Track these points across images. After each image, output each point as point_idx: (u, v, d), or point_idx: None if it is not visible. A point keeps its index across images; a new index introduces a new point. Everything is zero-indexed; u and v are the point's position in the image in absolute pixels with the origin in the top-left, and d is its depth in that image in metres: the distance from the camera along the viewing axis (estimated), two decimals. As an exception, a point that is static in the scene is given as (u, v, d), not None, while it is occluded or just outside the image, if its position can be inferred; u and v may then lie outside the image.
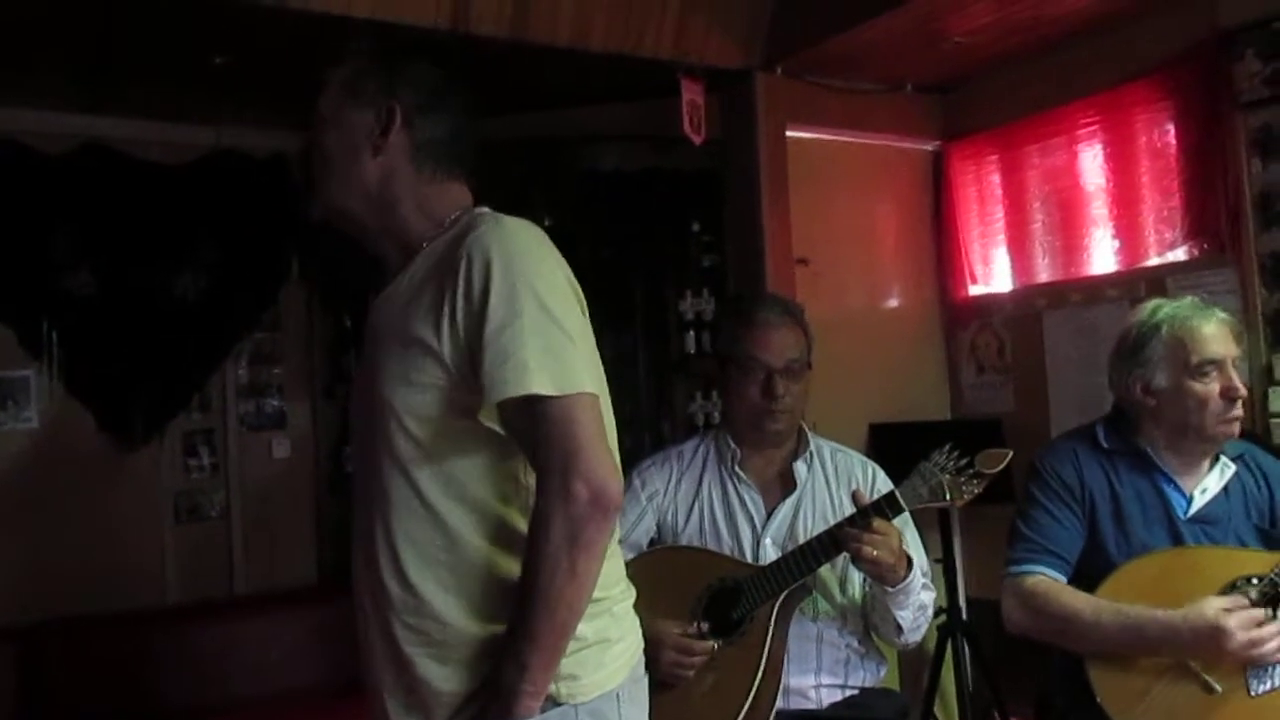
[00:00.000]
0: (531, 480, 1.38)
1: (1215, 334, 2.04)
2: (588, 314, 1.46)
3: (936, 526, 3.41)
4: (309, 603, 3.64)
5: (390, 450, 1.39)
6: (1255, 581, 1.89)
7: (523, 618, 1.31)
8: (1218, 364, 2.02)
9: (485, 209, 1.52)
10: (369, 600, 1.43)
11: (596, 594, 1.37)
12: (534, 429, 1.33)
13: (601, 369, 1.44)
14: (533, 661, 1.30)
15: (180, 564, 3.73)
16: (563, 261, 1.44)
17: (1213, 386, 2.01)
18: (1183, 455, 2.08)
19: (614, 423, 1.45)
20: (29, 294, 3.48)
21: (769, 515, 2.22)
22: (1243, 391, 2.02)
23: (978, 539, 3.59)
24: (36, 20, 2.76)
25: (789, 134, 3.44)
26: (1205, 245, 2.97)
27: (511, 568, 1.37)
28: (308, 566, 3.94)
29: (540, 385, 1.32)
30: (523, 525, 1.38)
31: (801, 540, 2.12)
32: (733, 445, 2.28)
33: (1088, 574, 2.03)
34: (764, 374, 2.21)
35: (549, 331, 1.35)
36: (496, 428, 1.35)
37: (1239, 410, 2.03)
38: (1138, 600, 1.93)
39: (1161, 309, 2.10)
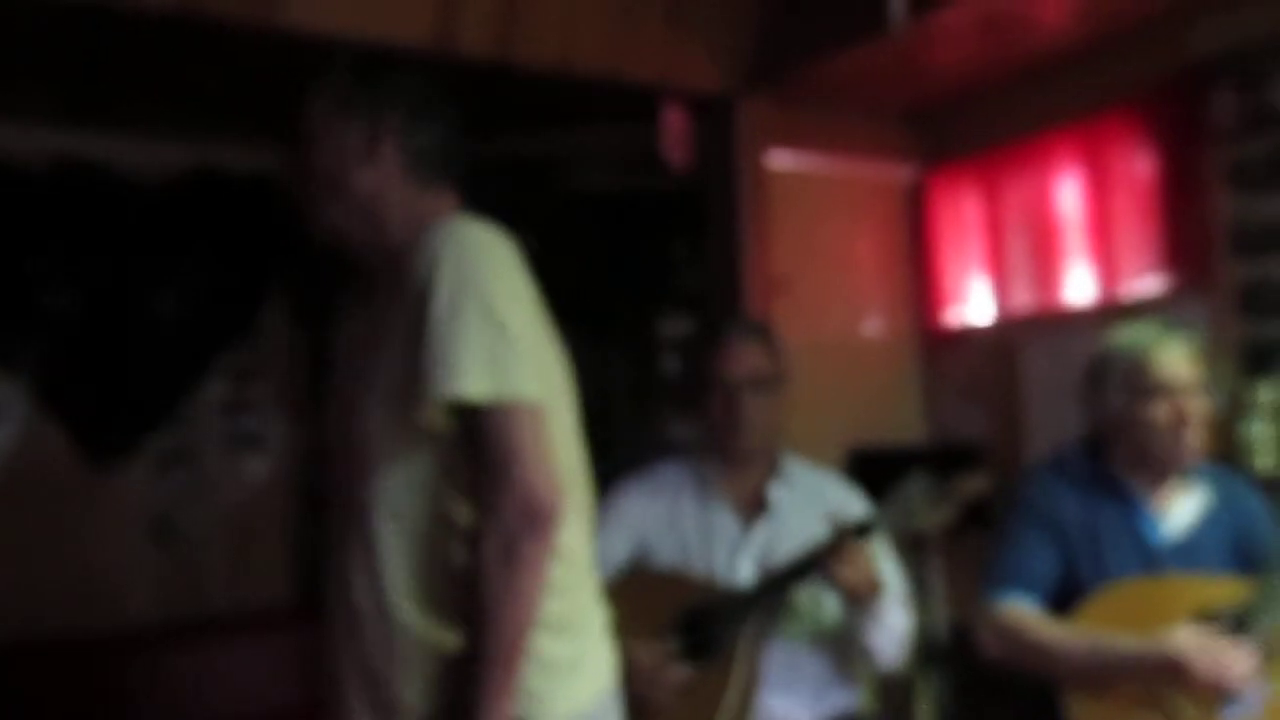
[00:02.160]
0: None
1: (1170, 358, 2.05)
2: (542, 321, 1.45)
3: (914, 551, 3.41)
4: (285, 624, 3.61)
5: (367, 466, 1.39)
6: (1225, 612, 1.89)
7: (477, 638, 1.31)
8: (1168, 388, 2.03)
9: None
10: (344, 619, 1.42)
11: (568, 615, 1.37)
12: (473, 436, 1.32)
13: (557, 378, 1.43)
14: (488, 681, 1.30)
15: (154, 583, 3.69)
16: (520, 267, 1.43)
17: (1162, 411, 2.02)
18: (1150, 482, 2.09)
19: (571, 434, 1.44)
20: (3, 309, 3.46)
21: (744, 537, 2.22)
22: (1193, 417, 2.01)
23: (956, 564, 3.59)
24: (18, 35, 2.75)
25: (770, 159, 3.46)
26: (1180, 275, 3.00)
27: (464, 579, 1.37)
28: (284, 587, 3.91)
29: (475, 389, 1.30)
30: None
31: (776, 562, 2.12)
32: (707, 467, 2.29)
33: (1063, 601, 2.04)
34: (727, 391, 2.21)
35: (490, 334, 1.32)
36: (435, 431, 1.34)
37: (1191, 437, 2.02)
38: (1110, 629, 1.94)
39: (1124, 334, 2.12)
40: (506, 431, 1.31)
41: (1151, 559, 2.04)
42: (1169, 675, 1.86)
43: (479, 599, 1.31)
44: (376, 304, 1.47)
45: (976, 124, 3.61)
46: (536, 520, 1.30)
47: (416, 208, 1.51)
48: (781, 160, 3.50)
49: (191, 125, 3.59)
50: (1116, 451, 2.11)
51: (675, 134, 3.30)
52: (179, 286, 3.73)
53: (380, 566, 1.38)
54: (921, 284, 3.82)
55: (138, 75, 3.09)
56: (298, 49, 2.60)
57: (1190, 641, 1.85)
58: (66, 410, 3.57)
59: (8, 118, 3.43)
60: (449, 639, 1.36)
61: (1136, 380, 2.05)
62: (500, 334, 1.33)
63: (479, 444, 1.32)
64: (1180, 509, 2.09)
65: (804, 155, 3.58)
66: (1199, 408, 2.03)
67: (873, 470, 3.33)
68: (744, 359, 2.23)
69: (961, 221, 3.69)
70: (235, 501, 3.87)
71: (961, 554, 3.53)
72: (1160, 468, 2.07)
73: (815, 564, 2.01)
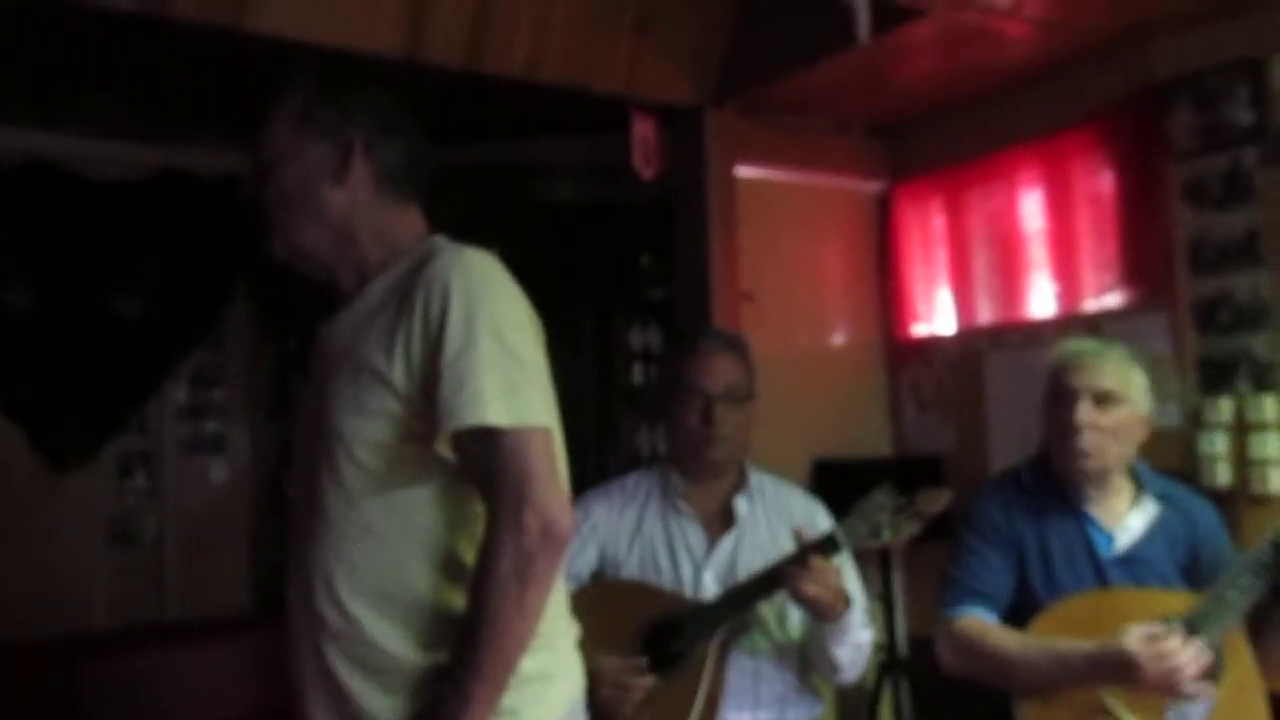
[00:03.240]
0: (479, 511, 1.38)
1: (1081, 366, 2.08)
2: (543, 347, 1.47)
3: (876, 564, 3.43)
4: (244, 630, 3.57)
5: (336, 477, 1.39)
6: (1174, 622, 1.92)
7: (467, 649, 1.31)
8: (1067, 394, 2.06)
9: (441, 238, 1.51)
10: (305, 629, 1.42)
11: (540, 629, 1.37)
12: (487, 460, 1.34)
13: (555, 403, 1.45)
14: (476, 693, 1.30)
15: (112, 588, 3.66)
16: (521, 295, 1.45)
17: (1063, 417, 2.06)
18: (1087, 493, 2.11)
19: (565, 456, 1.45)
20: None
21: (710, 550, 2.22)
22: (1078, 424, 2.03)
23: (917, 577, 3.62)
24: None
25: (738, 171, 3.48)
26: (1139, 291, 3.05)
27: (456, 598, 1.37)
28: (243, 593, 3.88)
29: (496, 416, 1.32)
30: (469, 556, 1.38)
31: (742, 575, 2.13)
32: (675, 478, 2.29)
33: (1017, 614, 2.06)
34: (703, 401, 2.21)
35: (505, 363, 1.35)
36: (449, 457, 1.35)
37: (1080, 444, 2.04)
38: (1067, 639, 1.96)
39: (1068, 352, 2.15)
40: (525, 455, 1.33)
41: (1104, 571, 2.07)
42: (1121, 675, 1.87)
43: (479, 612, 1.31)
44: (350, 322, 1.46)
45: (942, 138, 3.65)
46: (553, 539, 1.32)
47: (388, 224, 1.50)
48: (749, 172, 3.52)
49: (157, 127, 3.57)
50: (1057, 464, 2.13)
51: (644, 145, 3.31)
52: (141, 289, 3.70)
53: (348, 579, 1.38)
54: (887, 296, 3.85)
55: (104, 76, 3.07)
56: (265, 52, 2.59)
57: (1141, 641, 1.87)
58: (25, 413, 3.52)
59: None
60: (417, 653, 1.36)
61: (1049, 389, 2.11)
62: (514, 362, 1.36)
63: (492, 467, 1.33)
64: (1130, 521, 2.11)
65: (772, 167, 3.60)
66: (1099, 414, 2.04)
67: (838, 482, 3.35)
68: (719, 370, 2.24)
69: (927, 234, 3.72)
70: (195, 507, 3.84)
71: (921, 566, 3.57)
72: (1083, 477, 2.09)
73: (781, 578, 2.01)
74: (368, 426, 1.37)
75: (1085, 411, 2.05)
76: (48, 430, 3.56)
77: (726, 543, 2.23)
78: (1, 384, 3.49)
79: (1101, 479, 2.10)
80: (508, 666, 1.32)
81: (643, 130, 3.29)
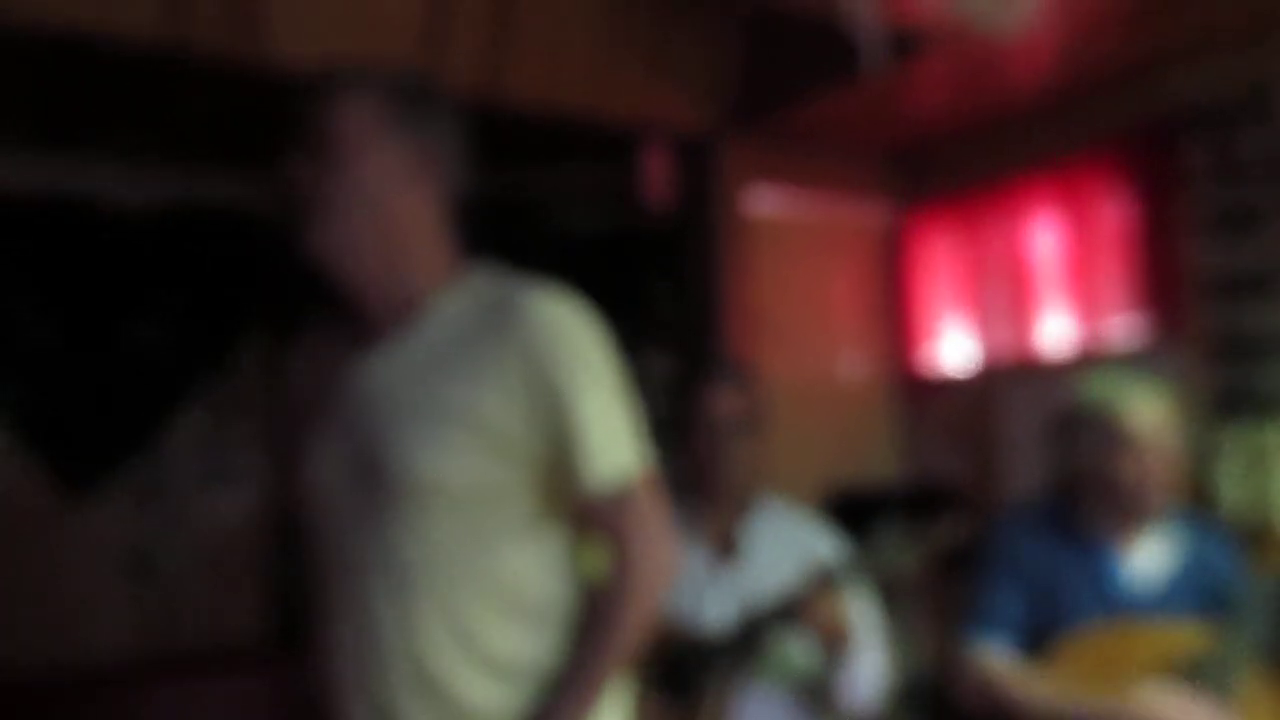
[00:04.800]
0: (561, 549, 1.39)
1: (1138, 411, 2.07)
2: None
3: (890, 595, 3.40)
4: (261, 661, 3.57)
5: (402, 521, 1.33)
6: (1188, 664, 1.90)
7: (569, 682, 1.33)
8: (1135, 442, 2.05)
9: (499, 271, 1.45)
10: (360, 677, 1.37)
11: None
12: (611, 506, 1.35)
13: None
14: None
15: (128, 619, 3.64)
16: None
17: (1129, 465, 2.04)
18: (1117, 530, 2.10)
19: None
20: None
21: (714, 577, 2.21)
22: (1158, 470, 2.04)
23: (933, 609, 3.59)
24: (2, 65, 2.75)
25: (749, 199, 3.48)
26: (1155, 322, 3.04)
27: (532, 640, 1.36)
28: (260, 623, 3.86)
29: (625, 466, 1.35)
30: (545, 595, 1.37)
31: (748, 604, 2.11)
32: (683, 505, 2.28)
33: (1035, 646, 2.05)
34: (710, 431, 2.21)
35: (622, 409, 1.38)
36: (577, 507, 1.36)
37: (1157, 490, 2.05)
38: (1076, 678, 1.95)
39: (1094, 385, 2.14)
40: (647, 497, 1.37)
41: (1116, 606, 2.06)
42: None
43: (588, 650, 1.33)
44: (408, 358, 1.38)
45: (954, 166, 3.65)
46: (670, 576, 1.37)
47: (437, 243, 1.42)
48: (761, 200, 3.52)
49: (174, 157, 3.58)
50: (1084, 500, 2.13)
51: (655, 174, 3.32)
52: (158, 318, 3.71)
53: (421, 625, 1.33)
54: (899, 326, 3.84)
55: (121, 107, 3.09)
56: (282, 83, 2.60)
57: (1155, 699, 1.86)
58: (41, 443, 3.53)
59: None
60: (493, 697, 1.35)
61: (1105, 433, 2.07)
62: (625, 408, 1.39)
63: (617, 513, 1.35)
64: (1149, 556, 2.10)
65: (783, 196, 3.61)
66: (1165, 460, 2.05)
67: (849, 512, 3.33)
68: (725, 400, 2.23)
69: (939, 264, 3.72)
70: (211, 537, 3.83)
71: (944, 598, 3.54)
72: (1126, 518, 2.09)
73: (789, 608, 2.00)
74: (456, 471, 1.32)
75: (1159, 457, 2.04)
76: (63, 461, 3.56)
77: (731, 570, 2.21)
78: (16, 414, 3.49)
79: (1141, 519, 2.09)
80: (596, 698, 1.33)
81: (655, 157, 3.31)
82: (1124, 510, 2.07)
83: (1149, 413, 2.07)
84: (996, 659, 2.05)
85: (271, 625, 3.87)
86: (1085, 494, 2.12)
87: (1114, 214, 3.15)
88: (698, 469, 2.24)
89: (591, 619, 1.35)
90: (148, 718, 3.25)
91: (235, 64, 2.59)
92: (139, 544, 3.69)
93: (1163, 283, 3.01)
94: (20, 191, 3.51)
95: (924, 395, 3.76)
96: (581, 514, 1.38)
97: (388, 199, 1.37)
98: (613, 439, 1.34)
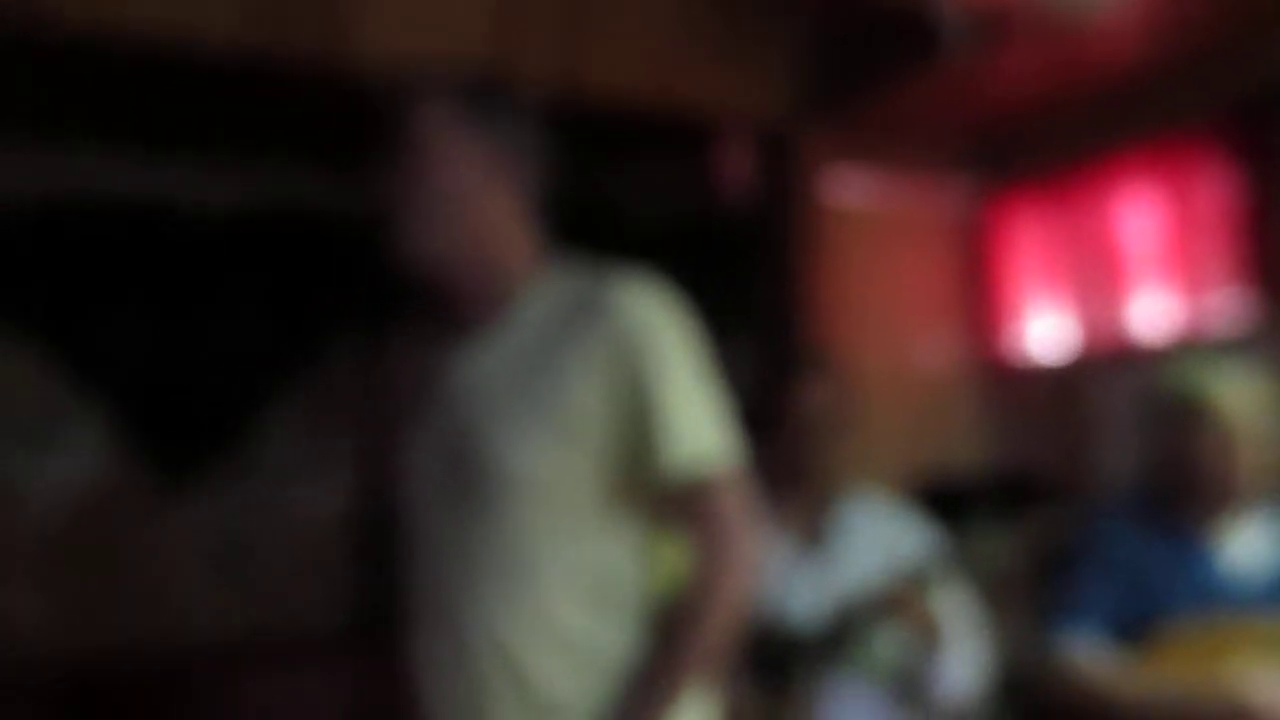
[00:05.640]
0: (644, 542, 1.39)
1: (1222, 394, 2.01)
2: None
3: (987, 589, 3.34)
4: (347, 652, 3.62)
5: (499, 514, 1.35)
6: None
7: (659, 672, 1.32)
8: (1217, 425, 1.99)
9: (580, 262, 1.47)
10: (456, 669, 1.38)
11: None
12: (701, 500, 1.34)
13: None
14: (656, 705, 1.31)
15: (220, 608, 3.73)
16: None
17: (1211, 448, 1.99)
18: (1208, 519, 2.05)
19: None
20: (80, 335, 3.54)
21: (803, 568, 2.19)
22: (1243, 454, 1.98)
23: (1031, 604, 3.52)
24: (99, 74, 2.82)
25: (830, 188, 3.45)
26: (1259, 305, 2.93)
27: (618, 634, 1.37)
28: (346, 615, 3.93)
29: (715, 460, 1.34)
30: (632, 589, 1.38)
31: (835, 596, 2.09)
32: (769, 496, 2.26)
33: (1129, 639, 2.00)
34: (796, 425, 2.20)
35: (708, 400, 1.37)
36: (658, 496, 1.36)
37: (1244, 476, 1.98)
38: (1172, 671, 1.91)
39: (1180, 370, 2.09)
40: (734, 491, 1.36)
41: (1213, 598, 2.00)
42: None
43: (680, 643, 1.32)
44: (501, 351, 1.41)
45: (1042, 147, 3.57)
46: (757, 574, 1.36)
47: (526, 240, 1.46)
48: (842, 187, 3.49)
49: (263, 159, 3.66)
50: (1174, 489, 2.08)
51: (734, 164, 3.30)
52: (252, 315, 3.79)
53: (510, 616, 1.35)
54: (985, 311, 3.77)
55: (215, 112, 3.16)
56: (362, 84, 2.64)
57: (1258, 691, 1.80)
58: (141, 434, 3.63)
59: (90, 152, 3.52)
60: (581, 691, 1.35)
61: (1190, 420, 2.02)
62: (711, 398, 1.38)
63: (705, 508, 1.34)
64: (1247, 546, 2.04)
65: (865, 182, 3.57)
66: (1258, 447, 1.99)
67: (936, 501, 3.28)
68: (816, 394, 2.22)
69: (1026, 247, 3.64)
70: (302, 528, 3.90)
71: (1041, 593, 3.47)
72: (1216, 507, 2.03)
73: (879, 601, 1.98)
74: (545, 463, 1.33)
75: (1244, 441, 1.98)
76: (160, 452, 3.66)
77: (820, 561, 2.19)
78: (119, 403, 3.59)
79: (1229, 507, 2.03)
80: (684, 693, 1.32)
81: (732, 149, 3.29)
82: (1213, 499, 2.02)
83: (1238, 398, 2.00)
84: (1087, 652, 2.00)
85: (359, 615, 3.93)
86: (1174, 483, 2.07)
87: (1214, 192, 3.04)
88: (786, 462, 2.23)
89: (677, 616, 1.34)
90: (238, 706, 3.32)
91: (317, 66, 2.63)
92: (232, 534, 3.78)
93: (1266, 263, 2.90)
94: (119, 194, 3.62)
95: (1012, 382, 3.69)
96: (664, 505, 1.37)
97: (472, 201, 1.42)
98: (695, 425, 1.34)
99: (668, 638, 1.34)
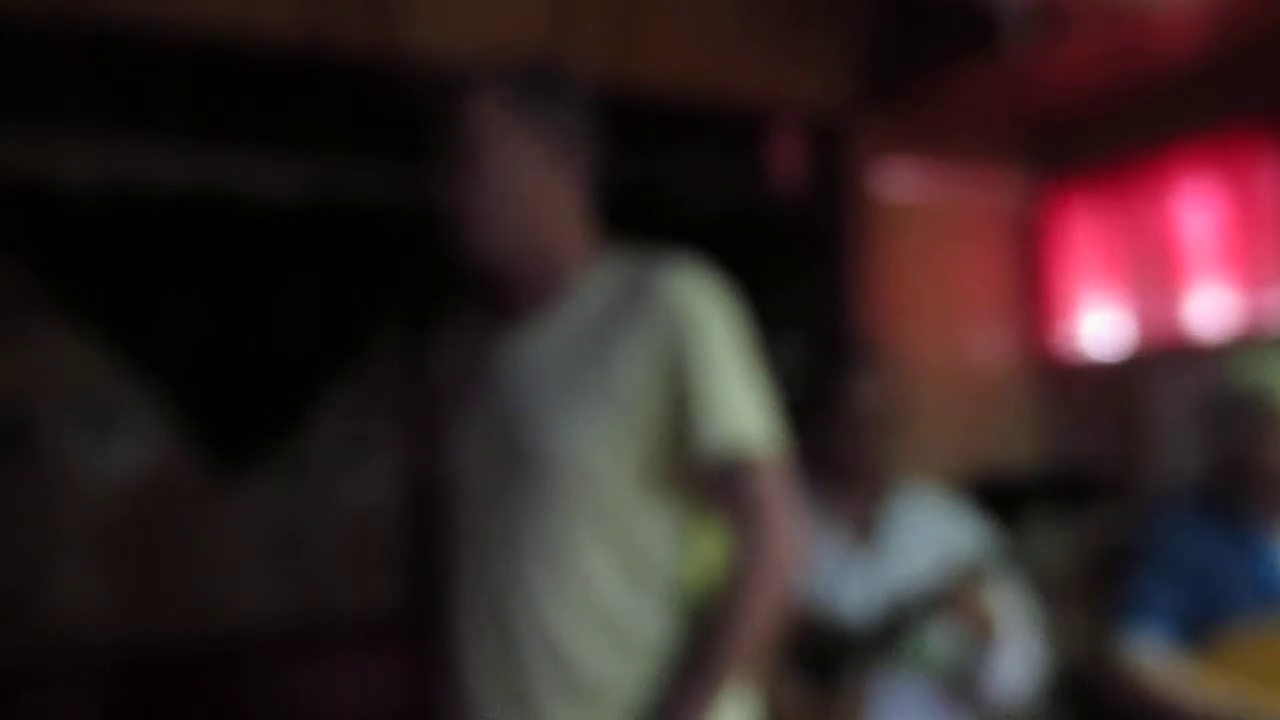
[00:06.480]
0: (689, 527, 1.39)
1: None
2: None
3: (1044, 586, 3.31)
4: (398, 637, 3.66)
5: (548, 500, 1.36)
6: None
7: (698, 664, 1.32)
8: (1269, 422, 1.97)
9: (632, 250, 1.47)
10: (501, 655, 1.39)
11: None
12: (743, 487, 1.33)
13: None
14: (697, 697, 1.31)
15: (274, 594, 3.78)
16: None
17: (1264, 448, 1.97)
18: (1274, 517, 2.02)
19: None
20: (141, 324, 3.59)
21: (854, 562, 2.18)
22: None
23: (1089, 603, 3.48)
24: (156, 65, 2.87)
25: (883, 180, 3.42)
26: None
27: (665, 618, 1.37)
28: (398, 600, 3.97)
29: (758, 447, 1.33)
30: (676, 573, 1.38)
31: (887, 591, 2.08)
32: (820, 489, 2.25)
33: (1191, 638, 1.98)
34: (849, 420, 2.18)
35: (752, 385, 1.37)
36: (700, 482, 1.36)
37: None
38: (1246, 678, 1.88)
39: (1246, 368, 2.05)
40: (776, 477, 1.35)
41: (1276, 597, 1.97)
42: None
43: (719, 631, 1.31)
44: (552, 339, 1.42)
45: (1098, 140, 3.51)
46: (801, 563, 1.35)
47: (582, 228, 1.46)
48: (896, 179, 3.46)
49: (318, 150, 3.70)
50: (1239, 487, 2.05)
51: (787, 154, 3.29)
52: (305, 304, 3.83)
53: (558, 602, 1.35)
54: (1040, 308, 3.72)
55: (269, 103, 3.20)
56: (416, 76, 2.66)
57: None
58: (197, 421, 3.68)
59: (154, 144, 3.57)
60: (625, 675, 1.35)
61: (1257, 418, 1.99)
62: (755, 383, 1.38)
63: (749, 495, 1.33)
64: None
65: (919, 174, 3.53)
66: None
67: (990, 496, 3.25)
68: (868, 390, 2.20)
69: (1082, 241, 3.58)
70: (354, 514, 3.94)
71: (1100, 592, 3.42)
72: (1253, 501, 2.01)
73: (933, 598, 1.96)
74: (593, 449, 1.34)
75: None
76: (214, 440, 3.71)
77: (872, 556, 2.18)
78: (176, 391, 3.64)
79: None
80: (727, 677, 1.31)
81: (786, 139, 3.27)
82: (1278, 499, 1.98)
83: None
84: (1151, 654, 1.97)
85: (410, 600, 3.97)
86: (1240, 481, 2.04)
87: (1275, 185, 2.98)
88: (839, 456, 2.21)
89: (719, 603, 1.33)
90: (291, 691, 3.37)
91: (372, 58, 2.65)
92: (286, 521, 3.83)
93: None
94: (177, 185, 3.67)
95: (1067, 378, 3.64)
96: (704, 487, 1.36)
97: (527, 190, 1.42)
98: (736, 406, 1.33)
99: (706, 627, 1.33)
